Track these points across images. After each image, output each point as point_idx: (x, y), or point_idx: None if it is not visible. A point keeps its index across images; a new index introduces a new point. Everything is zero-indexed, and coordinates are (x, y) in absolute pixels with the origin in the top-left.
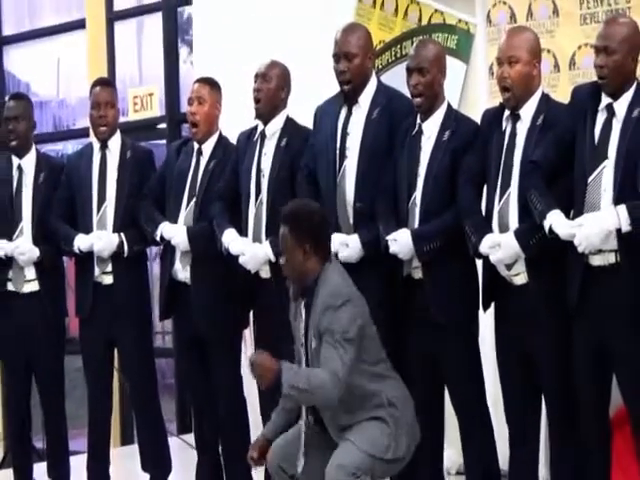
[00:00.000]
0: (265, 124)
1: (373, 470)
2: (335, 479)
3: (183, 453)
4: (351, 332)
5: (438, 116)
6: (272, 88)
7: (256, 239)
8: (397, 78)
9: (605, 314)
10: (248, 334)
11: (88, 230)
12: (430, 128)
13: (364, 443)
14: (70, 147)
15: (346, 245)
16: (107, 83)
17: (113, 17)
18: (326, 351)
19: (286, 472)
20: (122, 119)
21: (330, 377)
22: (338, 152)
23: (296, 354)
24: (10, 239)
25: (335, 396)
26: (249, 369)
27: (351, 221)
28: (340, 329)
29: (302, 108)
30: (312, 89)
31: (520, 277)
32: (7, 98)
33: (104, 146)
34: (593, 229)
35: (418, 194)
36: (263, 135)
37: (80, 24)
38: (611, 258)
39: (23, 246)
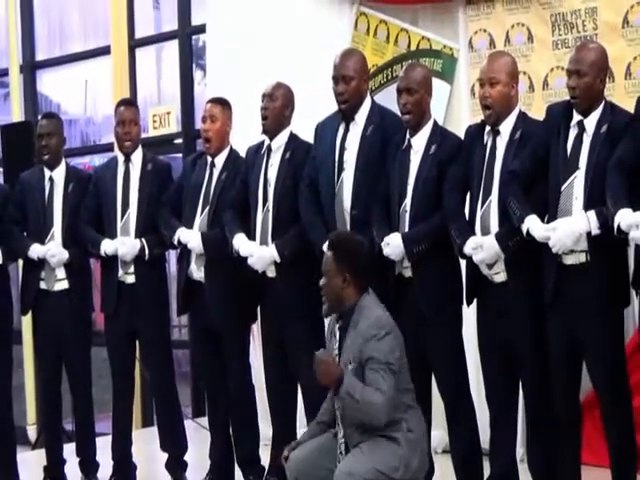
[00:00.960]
0: (271, 139)
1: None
2: None
3: (198, 434)
4: (393, 361)
5: (425, 132)
6: (278, 107)
7: (263, 242)
8: (389, 98)
9: (576, 307)
10: (256, 327)
11: (113, 235)
12: (418, 142)
13: (375, 457)
14: (97, 160)
15: None
16: (130, 103)
17: (135, 44)
18: (373, 377)
19: None
20: (143, 135)
21: (380, 396)
22: (337, 164)
23: None
24: (42, 243)
25: (383, 416)
26: (315, 364)
27: (348, 226)
28: (384, 358)
29: (304, 123)
30: (314, 106)
31: (500, 275)
32: (40, 117)
33: (127, 159)
34: (566, 232)
35: (408, 201)
36: (269, 149)
37: (105, 50)
38: (582, 257)
39: (54, 249)
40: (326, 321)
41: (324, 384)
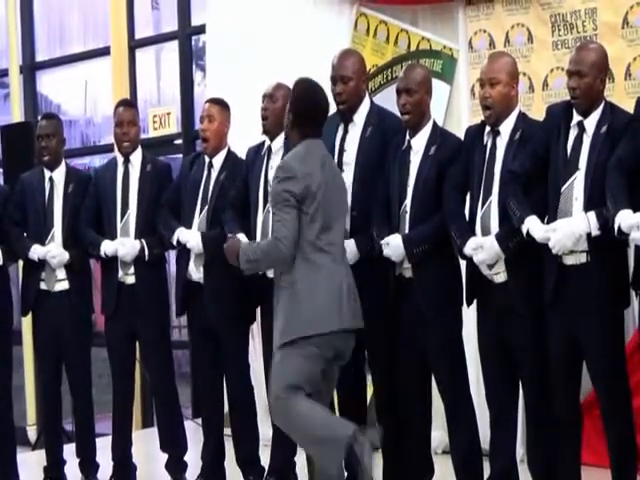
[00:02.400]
0: (271, 140)
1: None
2: (274, 395)
3: (197, 435)
4: (288, 197)
5: (425, 132)
6: (278, 107)
7: None
8: (389, 98)
9: (576, 307)
10: (256, 329)
11: (113, 236)
12: (418, 143)
13: (275, 338)
14: (97, 161)
15: None
16: (129, 104)
17: (134, 45)
18: (273, 219)
19: None
20: (143, 136)
21: (274, 241)
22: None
23: None
24: (43, 244)
25: (285, 255)
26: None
27: (348, 226)
28: (279, 197)
29: None
30: None
31: (500, 276)
32: (40, 118)
33: (127, 160)
34: (566, 233)
35: (408, 202)
36: (270, 150)
37: (105, 51)
38: (582, 258)
39: (55, 250)
40: None
41: (232, 262)
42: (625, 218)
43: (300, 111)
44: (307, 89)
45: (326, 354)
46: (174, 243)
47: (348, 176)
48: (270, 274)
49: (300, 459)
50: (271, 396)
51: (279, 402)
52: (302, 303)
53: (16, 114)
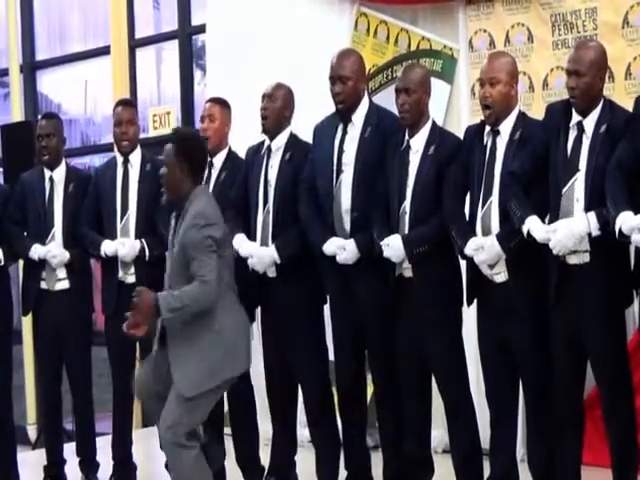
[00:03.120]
0: (271, 139)
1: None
2: (166, 440)
3: None
4: (211, 243)
5: (424, 132)
6: (278, 107)
7: (264, 243)
8: (388, 98)
9: (578, 307)
10: (255, 328)
11: (113, 236)
12: (417, 143)
13: (183, 386)
14: (97, 160)
15: (343, 249)
16: (128, 103)
17: (135, 44)
18: (193, 265)
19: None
20: (143, 135)
21: (199, 284)
22: (335, 167)
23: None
24: (43, 243)
25: (214, 299)
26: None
27: (347, 227)
28: (202, 244)
29: (305, 123)
30: (314, 106)
31: (501, 275)
32: (40, 117)
33: (126, 160)
34: (566, 234)
35: (407, 203)
36: (269, 150)
37: (105, 50)
38: (585, 258)
39: (55, 250)
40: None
41: (145, 317)
42: (626, 220)
43: (197, 161)
44: (198, 139)
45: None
46: None
47: (347, 176)
48: (271, 273)
49: (300, 458)
50: (168, 433)
51: (175, 446)
52: (225, 345)
53: (16, 113)
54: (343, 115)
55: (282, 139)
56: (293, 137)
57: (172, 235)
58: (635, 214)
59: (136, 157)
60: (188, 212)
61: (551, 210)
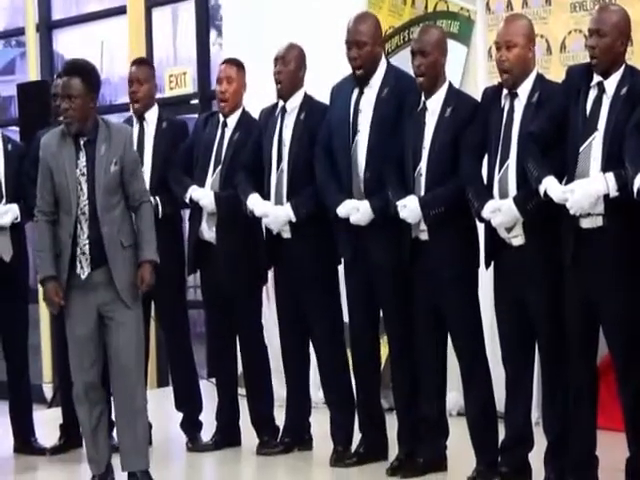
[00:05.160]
0: (285, 101)
1: None
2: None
3: (212, 394)
4: None
5: (440, 94)
6: (291, 70)
7: (278, 202)
8: (405, 60)
9: (593, 271)
10: (270, 288)
11: None
12: (433, 105)
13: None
14: (113, 120)
15: (357, 209)
16: (142, 62)
17: (151, 4)
18: (136, 183)
19: None
20: (159, 95)
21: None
22: (351, 127)
23: None
24: None
25: None
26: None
27: (362, 188)
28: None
29: (321, 86)
30: (330, 69)
31: (518, 239)
32: (55, 76)
33: (141, 118)
34: (583, 194)
35: (423, 165)
36: (284, 110)
37: (122, 10)
38: (599, 221)
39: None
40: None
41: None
42: None
43: (99, 90)
44: (96, 69)
45: None
46: (187, 201)
47: (363, 137)
48: (285, 234)
49: (314, 420)
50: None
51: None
52: None
53: (32, 72)
54: (360, 79)
55: (297, 99)
56: (308, 97)
57: (86, 161)
58: None
59: (152, 115)
60: (111, 135)
61: (568, 170)
